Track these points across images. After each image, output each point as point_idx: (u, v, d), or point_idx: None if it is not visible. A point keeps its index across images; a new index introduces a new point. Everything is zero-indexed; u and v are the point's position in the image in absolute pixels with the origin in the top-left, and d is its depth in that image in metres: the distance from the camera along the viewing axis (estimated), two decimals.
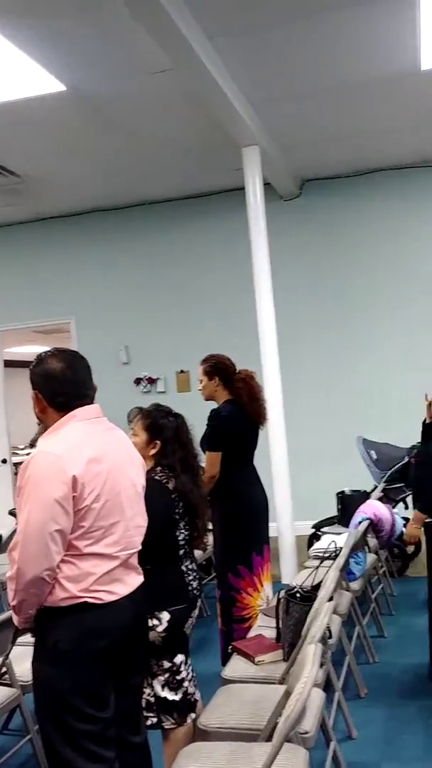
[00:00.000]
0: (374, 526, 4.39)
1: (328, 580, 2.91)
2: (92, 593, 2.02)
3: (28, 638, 2.25)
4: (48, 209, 7.37)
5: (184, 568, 2.76)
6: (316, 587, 3.02)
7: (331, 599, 2.80)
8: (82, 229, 7.58)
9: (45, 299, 7.70)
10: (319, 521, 5.49)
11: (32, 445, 8.63)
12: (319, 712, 2.45)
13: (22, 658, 2.76)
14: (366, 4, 3.97)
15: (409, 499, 5.30)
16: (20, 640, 2.77)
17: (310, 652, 2.08)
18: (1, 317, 7.78)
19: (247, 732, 2.37)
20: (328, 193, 6.99)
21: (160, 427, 2.80)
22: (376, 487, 5.32)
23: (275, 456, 5.51)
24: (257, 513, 3.84)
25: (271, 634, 3.10)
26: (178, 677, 2.68)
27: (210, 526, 3.42)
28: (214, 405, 3.86)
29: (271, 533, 4.05)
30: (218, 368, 3.83)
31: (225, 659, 3.36)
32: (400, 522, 4.53)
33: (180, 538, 2.77)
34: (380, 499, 4.84)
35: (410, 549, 5.50)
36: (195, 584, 2.78)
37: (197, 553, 3.23)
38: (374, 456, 5.51)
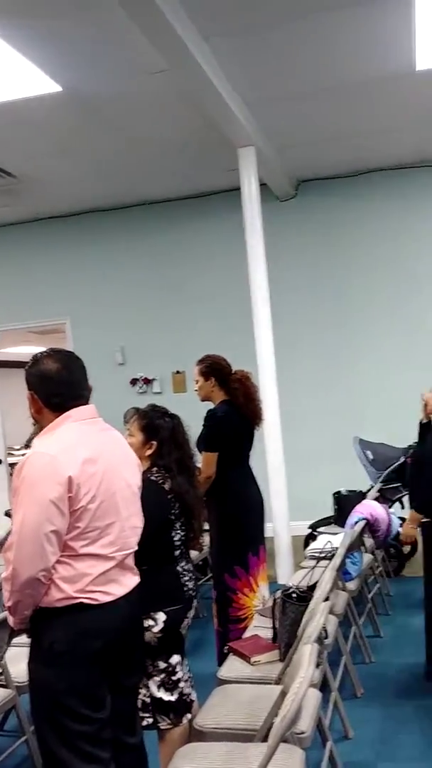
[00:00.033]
0: (370, 526, 4.38)
1: (324, 580, 2.91)
2: (88, 594, 2.02)
3: (23, 639, 2.24)
4: (44, 210, 7.35)
5: (180, 568, 2.76)
6: (313, 587, 3.02)
7: (327, 599, 2.80)
8: (78, 230, 7.56)
9: (40, 299, 7.67)
10: (316, 521, 5.49)
11: (27, 445, 8.58)
12: (315, 712, 2.45)
13: (17, 659, 2.74)
14: (362, 4, 3.97)
15: (406, 499, 5.31)
16: (16, 640, 2.77)
17: (306, 652, 2.07)
18: None
19: (243, 732, 2.37)
20: (326, 193, 6.98)
21: (156, 428, 2.80)
22: (372, 487, 5.32)
23: (271, 456, 5.51)
24: (253, 513, 3.84)
25: (267, 634, 3.10)
26: (174, 678, 2.68)
27: (206, 527, 3.42)
28: (210, 405, 3.86)
29: (268, 533, 4.05)
30: (214, 369, 3.83)
31: (221, 659, 3.37)
32: (396, 522, 4.53)
33: (176, 538, 2.76)
34: (376, 499, 4.84)
35: (406, 549, 5.51)
36: (191, 585, 2.78)
37: (193, 553, 3.23)
38: (370, 456, 5.51)
